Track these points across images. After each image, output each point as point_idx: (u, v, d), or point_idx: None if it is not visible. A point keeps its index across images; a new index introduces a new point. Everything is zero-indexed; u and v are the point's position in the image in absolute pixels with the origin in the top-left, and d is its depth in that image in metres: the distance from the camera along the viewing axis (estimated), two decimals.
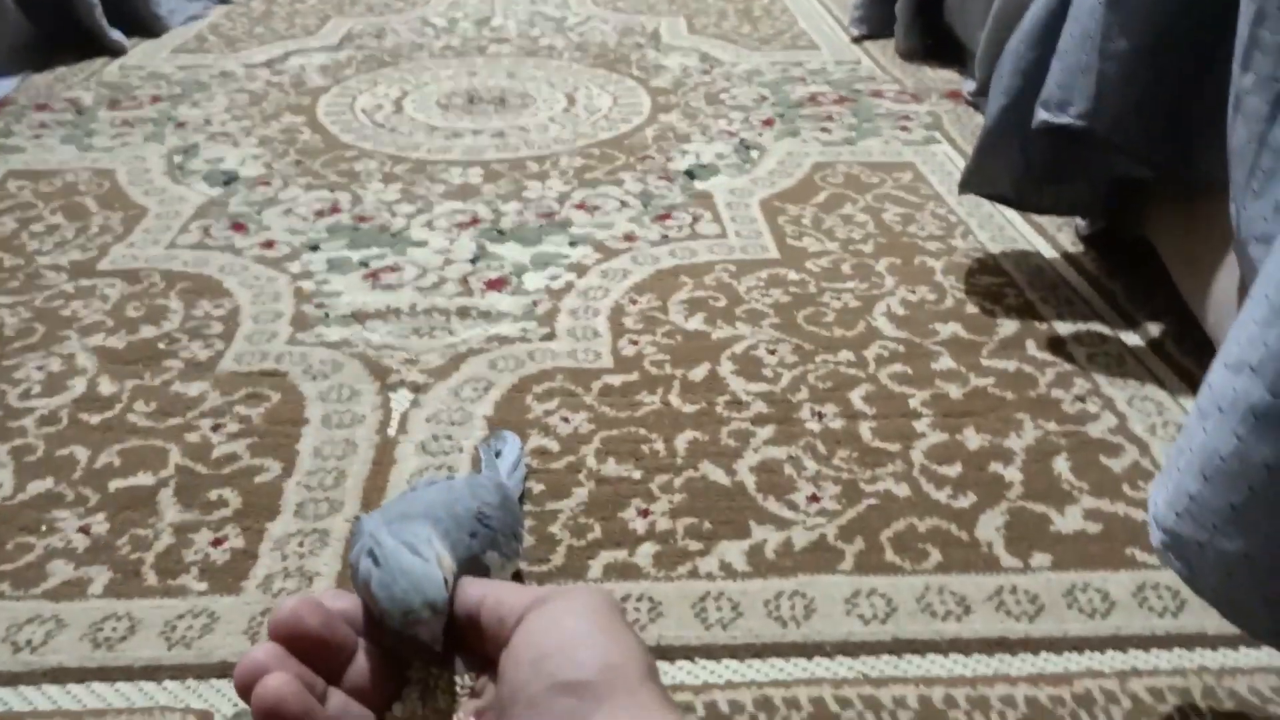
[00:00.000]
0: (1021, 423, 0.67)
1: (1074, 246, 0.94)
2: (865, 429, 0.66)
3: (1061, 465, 0.63)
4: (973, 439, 0.65)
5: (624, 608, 0.37)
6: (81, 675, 0.48)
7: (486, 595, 0.38)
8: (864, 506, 0.59)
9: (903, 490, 0.61)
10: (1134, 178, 0.79)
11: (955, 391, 0.71)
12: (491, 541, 0.44)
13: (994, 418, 0.68)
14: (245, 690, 0.34)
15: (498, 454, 0.60)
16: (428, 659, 0.40)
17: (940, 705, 0.47)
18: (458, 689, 0.40)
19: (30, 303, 0.81)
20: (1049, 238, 0.95)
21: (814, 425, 0.67)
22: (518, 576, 0.53)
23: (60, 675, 0.48)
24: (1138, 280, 0.86)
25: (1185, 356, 0.75)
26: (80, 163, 1.10)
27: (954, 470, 0.62)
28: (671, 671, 0.49)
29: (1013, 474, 0.62)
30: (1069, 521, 0.58)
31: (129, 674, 0.48)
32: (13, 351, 0.74)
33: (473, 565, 0.43)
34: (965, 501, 0.60)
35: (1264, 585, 0.38)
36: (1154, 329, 0.79)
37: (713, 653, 0.49)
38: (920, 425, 0.67)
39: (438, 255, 0.91)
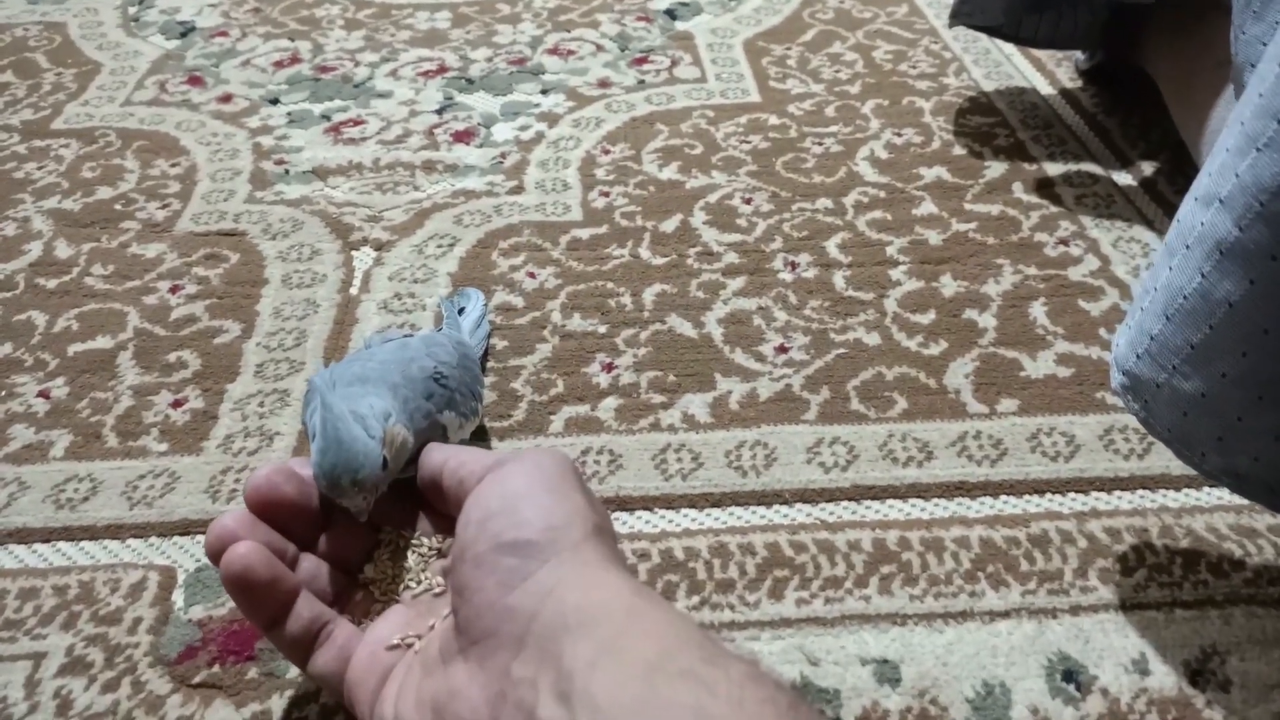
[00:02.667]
0: (1001, 268, 0.65)
1: (1072, 82, 0.89)
2: (839, 278, 0.64)
3: (1038, 310, 0.62)
4: (949, 285, 0.64)
5: (580, 468, 0.37)
6: (46, 535, 0.49)
7: (448, 460, 0.38)
8: (832, 356, 0.58)
9: (873, 339, 0.59)
10: (1133, 4, 0.74)
11: (935, 238, 0.68)
12: (448, 401, 0.44)
13: (973, 263, 0.66)
14: (215, 557, 0.35)
15: (460, 311, 0.59)
16: (395, 520, 0.40)
17: (894, 547, 0.47)
18: (425, 550, 0.40)
19: None
20: (1046, 74, 0.90)
21: (787, 275, 0.65)
22: (480, 433, 0.53)
23: (25, 535, 0.49)
24: (1134, 117, 0.82)
25: (1177, 195, 0.72)
26: (29, 16, 1.05)
27: (927, 318, 0.61)
28: (630, 521, 0.49)
29: (987, 320, 0.61)
30: (1040, 366, 0.57)
31: (92, 533, 0.49)
32: None
33: (429, 426, 0.42)
34: (936, 349, 0.59)
35: (1217, 424, 0.37)
36: (1147, 168, 0.76)
37: (671, 502, 0.49)
38: (896, 273, 0.65)
39: (403, 107, 0.87)
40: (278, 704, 0.41)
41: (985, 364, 0.57)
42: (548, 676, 0.29)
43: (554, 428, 0.54)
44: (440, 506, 0.40)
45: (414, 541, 0.41)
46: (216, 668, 0.42)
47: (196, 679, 0.42)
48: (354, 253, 0.68)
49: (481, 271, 0.66)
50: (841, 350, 0.58)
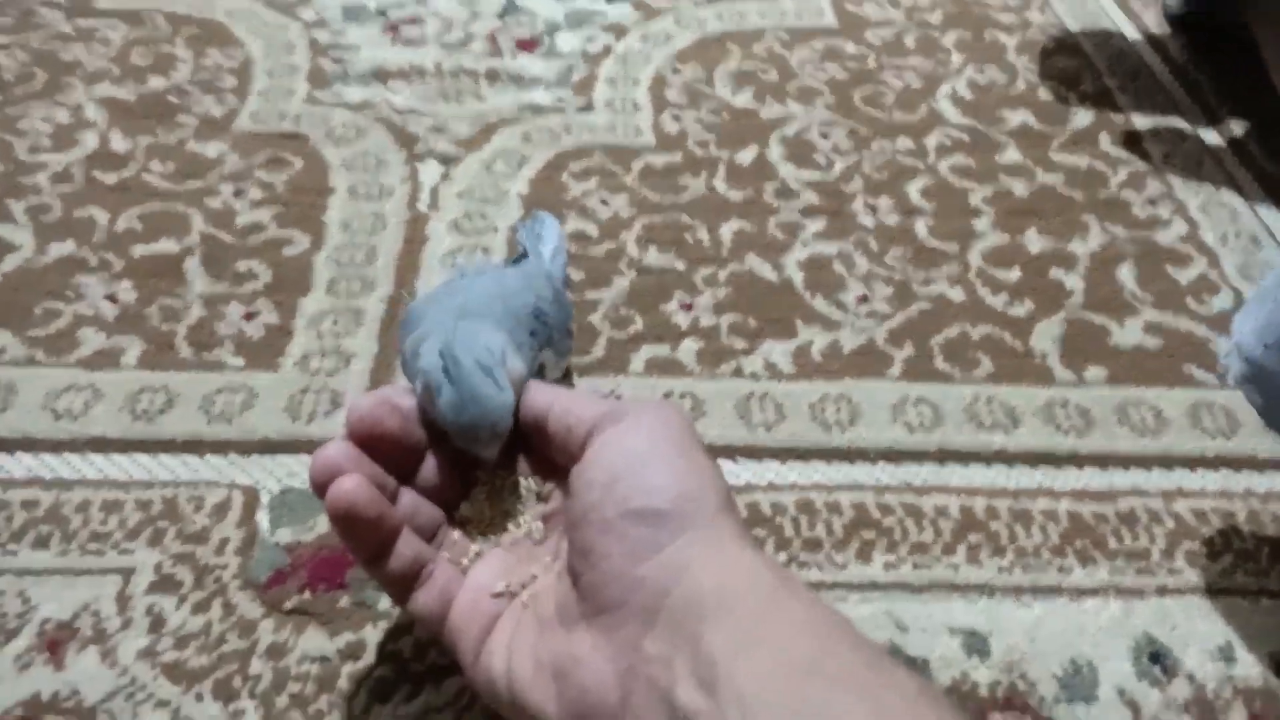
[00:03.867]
0: (1088, 226, 0.64)
1: (1160, 28, 0.85)
2: (921, 226, 0.63)
3: (1126, 274, 0.60)
4: (1035, 241, 0.62)
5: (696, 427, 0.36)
6: (124, 446, 0.48)
7: (554, 403, 0.37)
8: (915, 310, 0.57)
9: (957, 294, 0.58)
10: None
11: (1020, 188, 0.66)
12: (548, 339, 0.42)
13: (1059, 220, 0.64)
14: (320, 488, 0.34)
15: (538, 238, 0.57)
16: (495, 460, 0.39)
17: (981, 515, 0.47)
18: (523, 491, 0.39)
19: (26, 44, 0.75)
20: (1133, 16, 0.86)
21: (867, 220, 0.63)
22: (565, 372, 0.52)
23: (103, 445, 0.48)
24: (1225, 72, 0.79)
25: (1269, 160, 0.70)
26: None
27: (1012, 275, 0.60)
28: None
29: (1074, 281, 0.59)
30: (1128, 334, 0.56)
31: (171, 447, 0.48)
32: (15, 99, 0.69)
33: (533, 364, 0.41)
34: (1022, 309, 0.57)
35: None
36: (1237, 127, 0.73)
37: (756, 453, 0.49)
38: (980, 224, 0.63)
39: (462, 7, 0.83)
40: (371, 635, 0.41)
41: (1073, 328, 0.56)
42: (685, 659, 0.28)
43: (634, 367, 0.53)
44: (542, 449, 0.39)
45: (511, 482, 0.40)
46: (307, 594, 0.42)
47: (288, 605, 0.42)
48: (419, 165, 0.66)
49: (553, 195, 0.64)
50: (925, 304, 0.57)
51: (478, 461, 0.40)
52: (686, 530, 0.31)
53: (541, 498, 0.40)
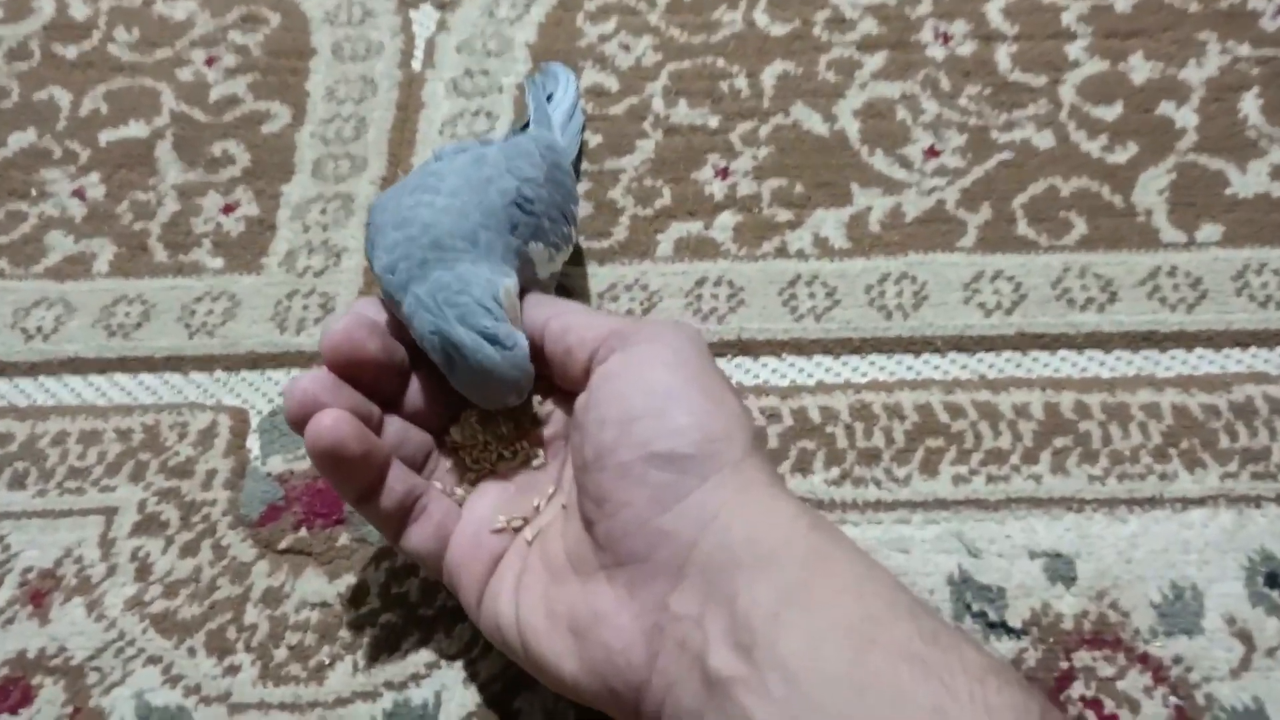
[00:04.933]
0: (1204, 46, 0.53)
1: None
2: (1003, 55, 0.53)
3: (1250, 104, 0.50)
4: (1140, 68, 0.52)
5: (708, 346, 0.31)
6: (100, 366, 0.44)
7: (551, 320, 0.32)
8: (994, 163, 0.48)
9: (1045, 140, 0.49)
10: None
11: (1122, 3, 0.55)
12: (534, 230, 0.36)
13: (1169, 39, 0.53)
14: (298, 424, 0.30)
15: (549, 99, 0.49)
16: None
17: (1070, 414, 0.40)
18: (520, 415, 0.35)
19: None
20: None
21: (937, 51, 0.53)
22: (575, 257, 0.45)
23: (79, 366, 0.44)
24: None
25: None
26: None
27: (1112, 112, 0.50)
28: (754, 370, 0.42)
29: (1186, 117, 0.49)
30: (1250, 181, 0.47)
31: (150, 364, 0.44)
32: None
33: (523, 267, 0.35)
34: (1123, 155, 0.48)
35: None
36: None
37: (803, 348, 0.43)
38: (1074, 50, 0.53)
39: None
40: (374, 576, 0.37)
41: (1183, 176, 0.47)
42: (718, 619, 0.25)
43: (661, 250, 0.46)
44: (537, 368, 0.34)
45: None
46: (304, 531, 0.38)
47: (282, 544, 0.38)
48: (412, 12, 0.57)
49: (566, 42, 0.55)
50: (1006, 155, 0.48)
51: None
52: (712, 475, 0.27)
53: (540, 420, 0.35)
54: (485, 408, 0.33)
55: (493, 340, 0.31)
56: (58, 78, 0.55)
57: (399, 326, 0.33)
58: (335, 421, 0.30)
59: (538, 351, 0.33)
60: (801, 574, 0.25)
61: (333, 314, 0.32)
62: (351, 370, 0.32)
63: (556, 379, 0.34)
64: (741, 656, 0.24)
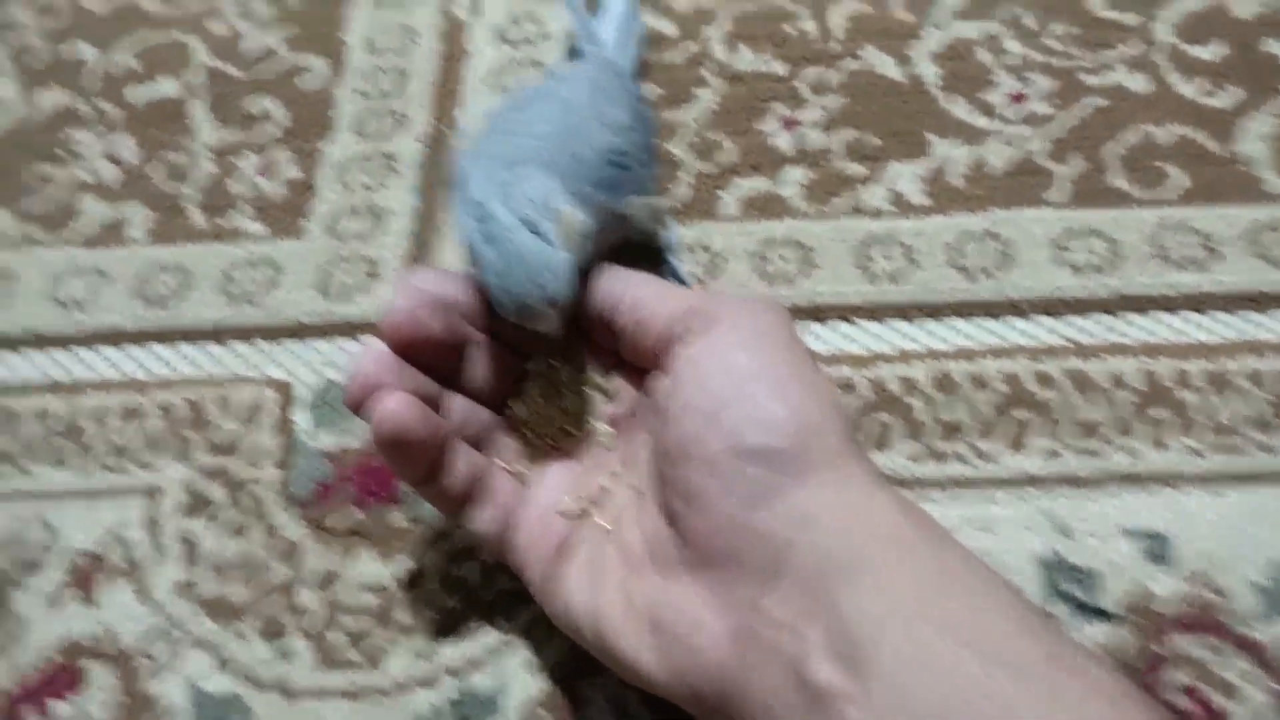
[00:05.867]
0: None
1: None
2: None
3: None
4: (1242, 2, 0.47)
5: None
6: (139, 337, 0.42)
7: (624, 294, 0.30)
8: (1086, 108, 0.44)
9: (1139, 83, 0.45)
10: None
11: None
12: (632, 181, 0.33)
13: None
14: (357, 407, 0.28)
15: (601, 11, 0.45)
16: (548, 350, 0.32)
17: (1169, 383, 0.37)
18: (586, 389, 0.32)
19: None
20: None
21: None
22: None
23: (115, 337, 0.42)
24: None
25: None
26: None
27: (1213, 51, 0.46)
28: (827, 337, 0.40)
29: None
30: None
31: (190, 335, 0.42)
32: None
33: (608, 223, 0.33)
34: (1226, 99, 0.44)
35: None
36: None
37: (878, 313, 0.40)
38: None
39: None
40: (431, 558, 0.35)
41: None
42: (818, 627, 0.23)
43: (726, 209, 0.43)
44: (605, 341, 0.32)
45: (571, 376, 0.33)
46: (357, 511, 0.37)
47: (335, 524, 0.36)
48: None
49: None
50: (1098, 99, 0.45)
51: (529, 350, 0.33)
52: (808, 471, 0.25)
53: (608, 394, 0.32)
54: (517, 320, 0.29)
55: (531, 228, 0.28)
56: (86, 32, 0.52)
57: (465, 302, 0.31)
58: (399, 405, 0.28)
59: (608, 325, 0.31)
60: (910, 582, 0.23)
61: (394, 288, 0.30)
62: (412, 349, 0.30)
63: (626, 354, 0.31)
64: (845, 669, 0.22)
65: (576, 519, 0.30)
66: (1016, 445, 0.36)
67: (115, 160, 0.47)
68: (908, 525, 0.25)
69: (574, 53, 0.40)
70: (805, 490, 0.25)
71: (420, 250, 0.43)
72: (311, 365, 0.41)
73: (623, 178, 0.33)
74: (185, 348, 0.41)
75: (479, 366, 0.32)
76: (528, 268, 0.28)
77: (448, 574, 0.35)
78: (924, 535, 0.24)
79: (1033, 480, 0.35)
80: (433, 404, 0.30)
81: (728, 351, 0.27)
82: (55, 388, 0.41)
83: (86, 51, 0.52)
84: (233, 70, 0.50)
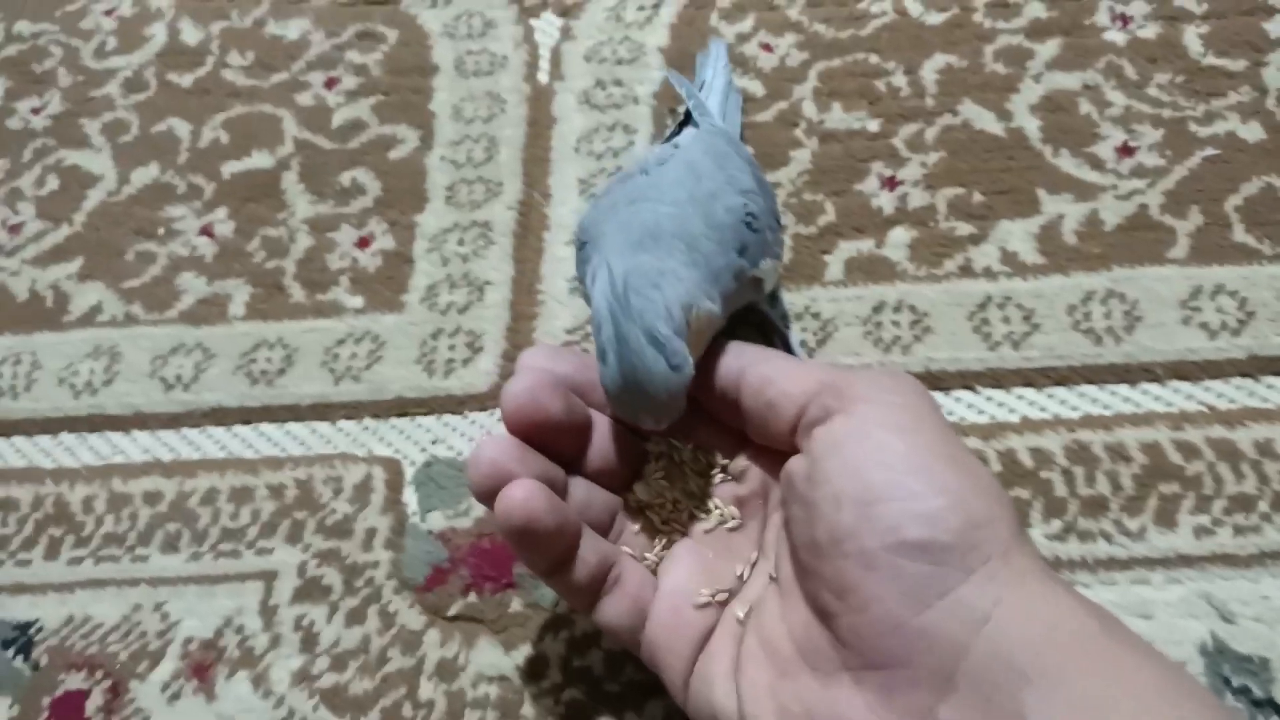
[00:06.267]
0: None
1: None
2: (1192, 37, 0.47)
3: None
4: None
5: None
6: (244, 415, 0.42)
7: (747, 369, 0.29)
8: (1198, 159, 0.43)
9: (1253, 132, 0.44)
10: None
11: None
12: (763, 247, 0.33)
13: None
14: (486, 497, 0.27)
15: (700, 87, 0.45)
16: (669, 429, 0.31)
17: None
18: (706, 467, 0.32)
19: None
20: None
21: (1117, 36, 0.48)
22: None
23: (222, 416, 0.42)
24: None
25: None
26: None
27: None
28: (949, 405, 0.38)
29: None
30: None
31: (297, 413, 0.41)
32: None
33: (741, 287, 0.32)
34: None
35: None
36: None
37: (1000, 379, 0.38)
38: (1275, 26, 0.47)
39: None
40: (553, 647, 0.34)
41: None
42: None
43: (831, 273, 0.42)
44: (727, 419, 0.31)
45: (693, 456, 0.32)
46: (473, 596, 0.36)
47: (452, 610, 0.36)
48: (533, 22, 0.54)
49: (700, 44, 0.51)
50: (1210, 151, 0.43)
51: (649, 431, 0.32)
52: (977, 567, 0.24)
53: (733, 475, 0.31)
54: (619, 415, 0.30)
55: (659, 348, 0.27)
56: (175, 107, 0.53)
57: (581, 380, 0.30)
58: (527, 495, 0.27)
59: (732, 402, 0.30)
60: (1100, 690, 0.22)
61: (517, 369, 0.29)
62: (534, 432, 0.29)
63: (753, 434, 0.30)
64: None
65: (714, 610, 0.29)
66: (1166, 522, 0.34)
67: (211, 235, 0.47)
68: (1093, 628, 0.23)
69: (674, 121, 0.40)
70: (976, 588, 0.23)
71: (518, 320, 0.43)
72: (418, 442, 0.40)
73: (754, 240, 0.32)
74: (292, 426, 0.41)
75: (599, 448, 0.31)
76: (646, 391, 0.27)
77: (570, 664, 0.34)
78: (1110, 639, 0.23)
79: (1187, 560, 0.34)
80: (558, 489, 0.29)
81: (874, 435, 0.25)
82: (163, 468, 0.40)
83: (178, 126, 0.52)
84: (323, 142, 0.50)
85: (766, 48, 0.50)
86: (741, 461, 0.31)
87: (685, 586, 0.30)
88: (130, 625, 0.36)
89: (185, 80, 0.54)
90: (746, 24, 0.52)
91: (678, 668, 0.29)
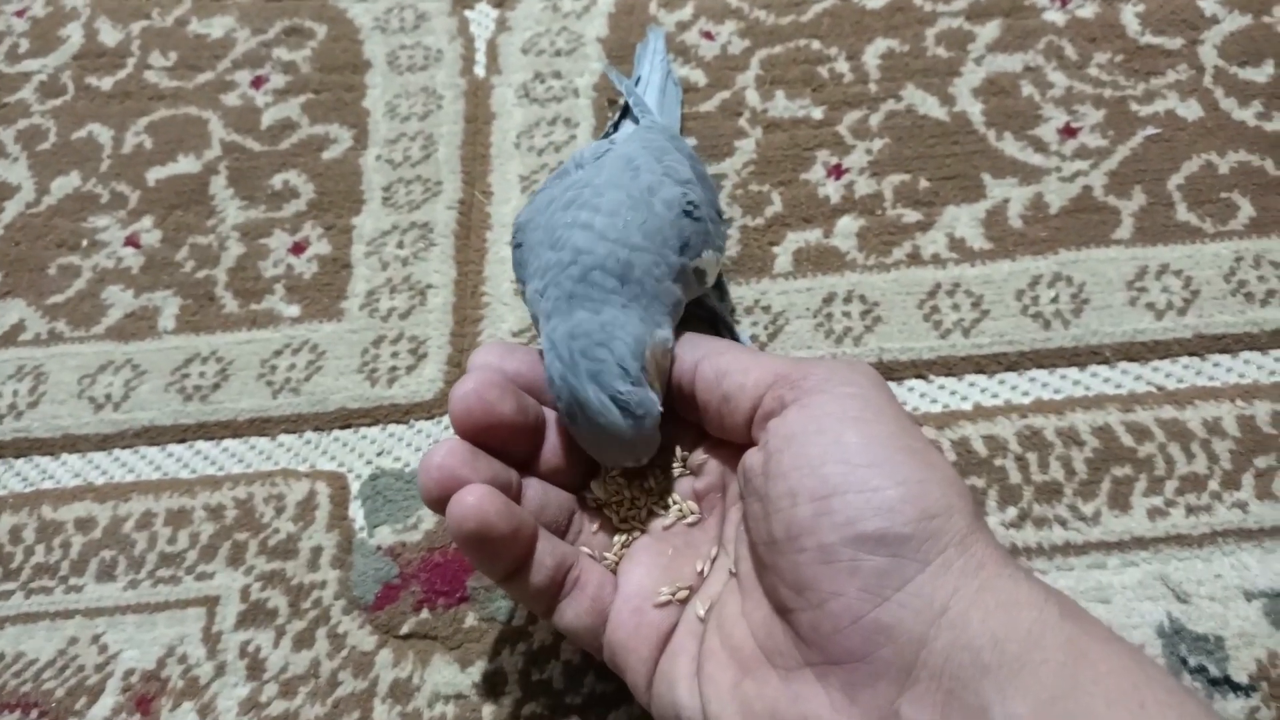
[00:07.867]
0: None
1: None
2: (1130, 16, 0.47)
3: None
4: None
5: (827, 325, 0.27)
6: (180, 434, 0.40)
7: (702, 361, 0.29)
8: (1140, 139, 0.43)
9: (1191, 110, 0.44)
10: None
11: None
12: (705, 238, 0.32)
13: None
14: (437, 504, 0.26)
15: (636, 81, 0.44)
16: None
17: (1269, 428, 0.36)
18: (669, 466, 0.31)
19: None
20: None
21: (1055, 16, 0.48)
22: None
23: (155, 435, 0.40)
24: None
25: None
26: None
27: (1262, 73, 0.45)
28: (901, 395, 0.38)
29: None
30: None
31: (234, 429, 0.40)
32: None
33: (690, 284, 0.31)
34: None
35: None
36: None
37: (953, 367, 0.38)
38: (1209, 4, 0.47)
39: None
40: (510, 660, 0.34)
41: None
42: None
43: (780, 265, 0.42)
44: (683, 412, 0.30)
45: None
46: (425, 613, 0.35)
47: (404, 629, 0.34)
48: (468, 14, 0.52)
49: (640, 34, 0.50)
50: (1151, 130, 0.43)
51: None
52: (934, 557, 0.23)
53: (692, 470, 0.31)
54: (602, 463, 0.30)
55: (623, 408, 0.27)
56: (95, 111, 0.51)
57: (532, 377, 0.30)
58: (479, 500, 0.26)
59: (688, 396, 0.29)
60: (1062, 680, 0.21)
61: (467, 371, 0.28)
62: (484, 434, 0.28)
63: (710, 428, 0.30)
64: None
65: (674, 609, 0.29)
66: (1119, 505, 0.35)
67: (137, 245, 0.45)
68: (1053, 615, 0.23)
69: (615, 111, 0.39)
70: (934, 579, 0.23)
71: (462, 325, 0.41)
72: (363, 455, 0.39)
73: (696, 230, 0.31)
74: (230, 443, 0.39)
75: (553, 446, 0.30)
76: (620, 446, 0.28)
77: (529, 677, 0.33)
78: (1072, 625, 0.23)
79: (1142, 542, 0.34)
80: (511, 492, 0.28)
81: (828, 426, 0.25)
82: (95, 492, 0.39)
83: (99, 132, 0.50)
84: (252, 144, 0.48)
85: (708, 35, 0.49)
86: (699, 455, 0.31)
87: (645, 585, 0.29)
88: (67, 660, 0.35)
89: (105, 83, 0.52)
90: (687, 11, 0.51)
91: (640, 669, 0.28)
